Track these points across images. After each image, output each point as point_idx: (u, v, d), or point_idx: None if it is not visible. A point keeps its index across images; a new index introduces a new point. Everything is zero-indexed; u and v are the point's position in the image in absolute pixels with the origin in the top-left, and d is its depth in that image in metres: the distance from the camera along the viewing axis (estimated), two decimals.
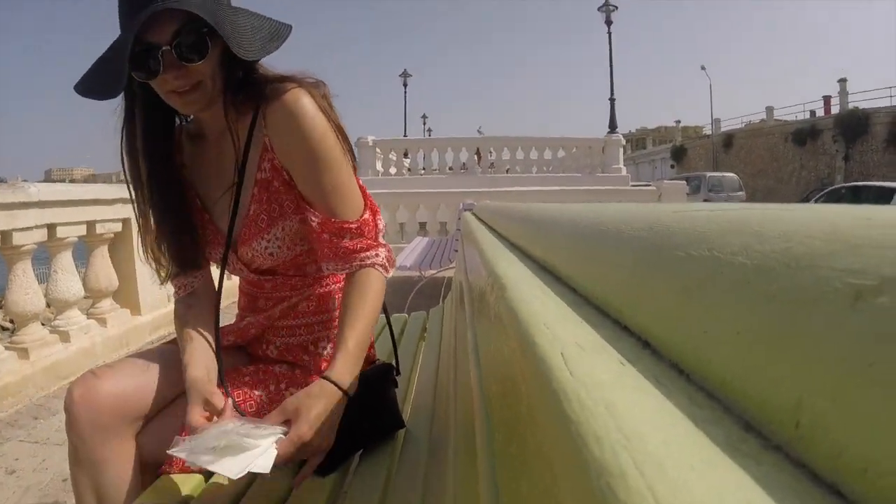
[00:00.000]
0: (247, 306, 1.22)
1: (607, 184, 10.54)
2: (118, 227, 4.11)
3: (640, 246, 0.34)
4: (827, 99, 30.27)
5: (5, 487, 2.10)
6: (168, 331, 4.50)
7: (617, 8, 17.08)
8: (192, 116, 1.08)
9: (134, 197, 1.05)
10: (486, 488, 0.34)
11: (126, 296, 4.24)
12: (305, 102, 0.99)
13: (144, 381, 1.03)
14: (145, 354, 1.11)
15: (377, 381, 1.13)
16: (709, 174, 18.86)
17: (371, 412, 1.05)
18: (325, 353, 1.19)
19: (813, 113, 30.46)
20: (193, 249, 1.11)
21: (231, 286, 1.22)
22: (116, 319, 4.01)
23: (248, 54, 0.91)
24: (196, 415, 0.94)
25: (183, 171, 1.11)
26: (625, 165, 13.53)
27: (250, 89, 1.02)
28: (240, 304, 1.25)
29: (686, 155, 37.61)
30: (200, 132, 1.10)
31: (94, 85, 0.91)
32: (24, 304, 3.31)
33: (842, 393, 0.14)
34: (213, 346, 1.08)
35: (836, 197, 13.16)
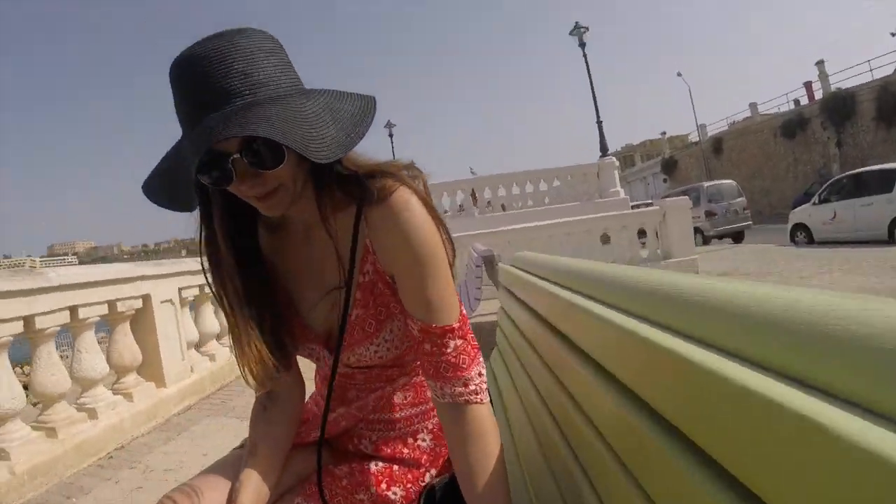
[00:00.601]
0: (334, 398, 1.12)
1: (607, 209, 10.42)
2: (139, 303, 4.11)
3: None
4: (808, 85, 29.68)
5: None
6: (195, 399, 4.44)
7: (588, 29, 16.25)
8: None
9: (227, 307, 0.96)
10: None
11: (150, 369, 4.22)
12: (414, 205, 0.90)
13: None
14: (222, 468, 1.03)
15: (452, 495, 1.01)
16: (706, 184, 18.17)
17: None
18: (424, 444, 1.11)
19: (797, 102, 29.84)
20: (290, 352, 1.03)
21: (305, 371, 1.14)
22: (142, 393, 3.98)
23: (330, 155, 0.77)
24: None
25: (266, 264, 1.02)
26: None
27: (345, 184, 0.93)
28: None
29: (677, 166, 37.69)
30: (282, 222, 1.01)
31: (162, 195, 0.82)
32: (50, 386, 3.29)
33: None
34: (279, 458, 1.02)
35: (838, 188, 12.05)
